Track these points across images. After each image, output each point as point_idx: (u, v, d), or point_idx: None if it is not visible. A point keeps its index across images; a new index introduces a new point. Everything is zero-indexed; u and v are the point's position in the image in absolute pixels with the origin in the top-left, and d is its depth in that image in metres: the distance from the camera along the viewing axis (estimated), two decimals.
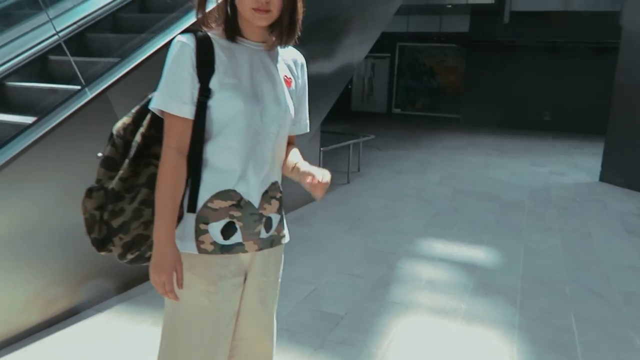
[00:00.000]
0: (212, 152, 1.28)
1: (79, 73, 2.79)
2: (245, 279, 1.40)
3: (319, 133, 5.48)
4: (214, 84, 1.25)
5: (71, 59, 2.94)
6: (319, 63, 5.03)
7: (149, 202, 1.29)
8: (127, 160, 1.27)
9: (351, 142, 6.45)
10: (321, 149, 5.46)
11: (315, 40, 4.71)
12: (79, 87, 2.76)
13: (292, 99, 1.41)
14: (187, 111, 1.24)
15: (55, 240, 2.58)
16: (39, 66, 3.36)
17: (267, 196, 1.36)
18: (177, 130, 1.25)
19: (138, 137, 1.28)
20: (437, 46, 15.48)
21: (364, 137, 7.13)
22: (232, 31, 1.29)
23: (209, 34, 1.29)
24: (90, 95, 2.67)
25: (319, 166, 5.60)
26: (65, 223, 2.64)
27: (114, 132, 1.31)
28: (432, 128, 13.02)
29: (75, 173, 2.71)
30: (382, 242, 4.24)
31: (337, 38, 5.39)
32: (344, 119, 12.44)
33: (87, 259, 2.77)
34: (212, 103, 1.25)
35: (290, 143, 1.48)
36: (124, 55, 3.00)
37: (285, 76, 1.40)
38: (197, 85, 1.24)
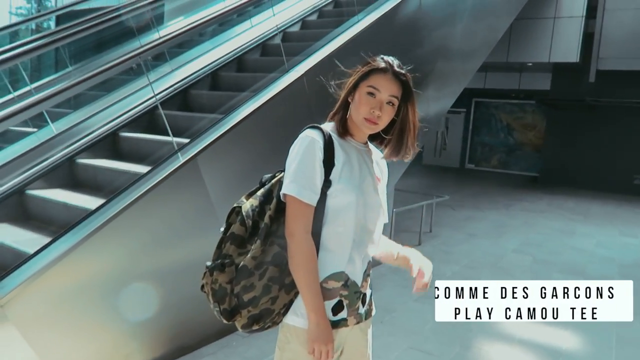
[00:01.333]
0: (326, 236, 1.44)
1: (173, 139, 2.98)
2: (341, 352, 1.52)
3: (393, 191, 5.40)
4: (333, 176, 1.43)
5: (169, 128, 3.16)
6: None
7: (275, 279, 1.42)
8: (258, 241, 1.41)
9: (424, 203, 6.32)
10: (394, 210, 5.37)
11: None
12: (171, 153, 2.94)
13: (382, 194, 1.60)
14: (315, 200, 1.42)
15: (133, 295, 2.69)
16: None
17: (364, 274, 1.53)
18: (306, 216, 1.41)
19: (267, 219, 1.43)
20: (516, 102, 15.10)
21: (437, 197, 6.96)
22: (345, 131, 1.50)
23: (330, 132, 1.47)
24: (182, 160, 2.84)
25: (391, 226, 5.35)
26: (146, 279, 2.76)
27: (244, 213, 1.44)
28: (507, 186, 12.51)
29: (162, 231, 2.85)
30: None
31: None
32: (415, 174, 12.26)
33: (160, 316, 2.85)
34: (330, 193, 1.42)
35: None
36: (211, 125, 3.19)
37: (376, 175, 1.59)
38: (322, 177, 1.42)
